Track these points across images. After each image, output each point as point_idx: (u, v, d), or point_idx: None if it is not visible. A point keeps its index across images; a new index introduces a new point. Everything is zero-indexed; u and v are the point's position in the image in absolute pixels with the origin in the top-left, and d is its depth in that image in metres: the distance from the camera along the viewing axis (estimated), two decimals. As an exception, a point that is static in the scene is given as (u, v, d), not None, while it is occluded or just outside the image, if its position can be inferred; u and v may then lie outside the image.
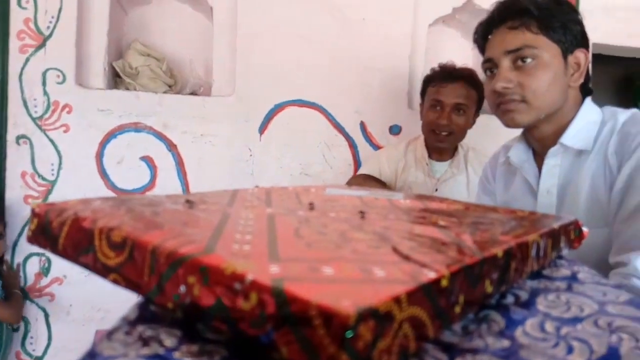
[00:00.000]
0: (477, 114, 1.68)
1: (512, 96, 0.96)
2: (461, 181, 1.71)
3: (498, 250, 0.35)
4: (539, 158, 1.07)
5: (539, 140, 1.04)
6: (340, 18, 1.97)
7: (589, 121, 0.98)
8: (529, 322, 0.31)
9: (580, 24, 0.98)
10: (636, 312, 0.32)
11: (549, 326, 0.30)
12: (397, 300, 0.23)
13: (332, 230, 0.38)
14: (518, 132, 2.06)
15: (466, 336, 0.28)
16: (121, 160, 1.84)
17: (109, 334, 0.26)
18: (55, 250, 0.37)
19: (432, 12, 2.12)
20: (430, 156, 1.71)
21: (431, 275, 0.27)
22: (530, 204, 1.08)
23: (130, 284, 0.31)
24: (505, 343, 0.27)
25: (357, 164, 1.98)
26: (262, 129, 1.93)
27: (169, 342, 0.25)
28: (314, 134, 1.96)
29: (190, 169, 1.89)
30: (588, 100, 1.01)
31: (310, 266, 0.27)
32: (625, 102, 3.29)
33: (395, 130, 2.00)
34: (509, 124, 1.00)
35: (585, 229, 0.54)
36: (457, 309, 0.29)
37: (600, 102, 1.03)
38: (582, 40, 0.97)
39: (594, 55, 2.17)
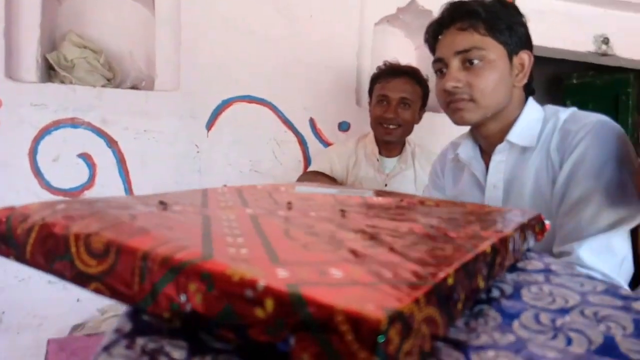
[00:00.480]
0: (422, 109, 1.73)
1: (461, 95, 0.99)
2: (409, 176, 1.75)
3: (486, 246, 0.35)
4: (485, 154, 1.11)
5: (486, 138, 1.08)
6: (288, 15, 1.96)
7: (533, 119, 1.03)
8: (524, 316, 0.31)
9: (524, 26, 1.03)
10: (616, 301, 0.34)
11: (544, 318, 0.31)
12: (417, 301, 0.23)
13: (321, 231, 0.37)
14: (463, 129, 2.13)
15: (471, 333, 0.29)
16: (57, 158, 1.73)
17: (107, 349, 0.24)
18: (21, 259, 0.33)
19: (377, 11, 2.14)
20: (380, 152, 1.74)
21: (441, 274, 0.26)
22: (477, 198, 1.12)
23: (116, 294, 0.28)
24: (511, 338, 0.28)
25: (307, 160, 1.98)
26: (210, 125, 1.88)
27: (177, 354, 0.23)
28: (263, 131, 1.93)
29: (133, 166, 1.81)
30: (531, 100, 1.06)
31: (317, 269, 0.26)
32: (555, 100, 3.51)
33: (344, 127, 2.01)
34: (458, 121, 1.04)
35: (547, 222, 0.57)
36: (460, 306, 0.29)
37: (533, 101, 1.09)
38: (526, 41, 1.02)
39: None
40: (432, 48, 1.09)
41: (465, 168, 1.18)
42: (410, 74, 1.68)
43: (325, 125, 2.00)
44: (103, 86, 1.83)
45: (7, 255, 0.34)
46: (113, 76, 1.91)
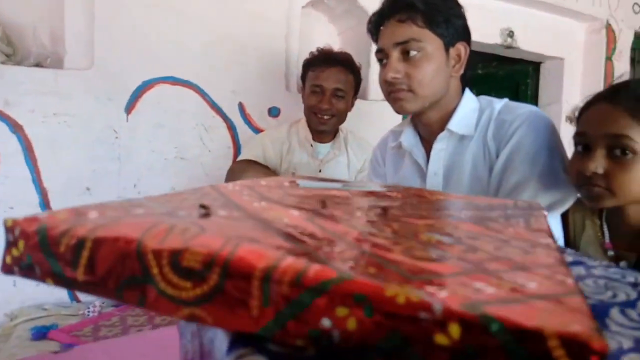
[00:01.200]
0: (354, 97, 1.74)
1: (400, 85, 1.02)
2: (342, 162, 1.76)
3: (552, 242, 0.35)
4: (425, 142, 1.15)
5: (426, 126, 1.12)
6: (214, -8, 1.85)
7: (470, 109, 1.08)
8: (612, 311, 0.31)
9: (462, 17, 1.06)
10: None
11: (631, 313, 0.31)
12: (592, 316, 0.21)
13: (400, 234, 0.33)
14: (394, 117, 2.19)
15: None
16: (-54, 145, 1.49)
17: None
18: (68, 283, 0.27)
19: (304, -7, 2.11)
20: (313, 138, 1.72)
21: (570, 281, 0.25)
22: (418, 184, 1.16)
23: (223, 321, 0.23)
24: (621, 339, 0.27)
25: (237, 146, 1.90)
26: (129, 108, 1.73)
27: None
28: (189, 115, 1.82)
29: (42, 153, 1.62)
30: (467, 90, 1.11)
31: (465, 283, 0.22)
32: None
33: (274, 112, 1.97)
34: (399, 111, 1.07)
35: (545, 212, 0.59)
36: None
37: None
38: (463, 33, 1.06)
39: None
40: (375, 38, 1.11)
41: (406, 155, 1.21)
42: (344, 63, 1.66)
43: (255, 110, 1.93)
44: (2, 63, 1.60)
45: (42, 279, 0.27)
46: (13, 52, 1.68)
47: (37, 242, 0.28)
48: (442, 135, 1.08)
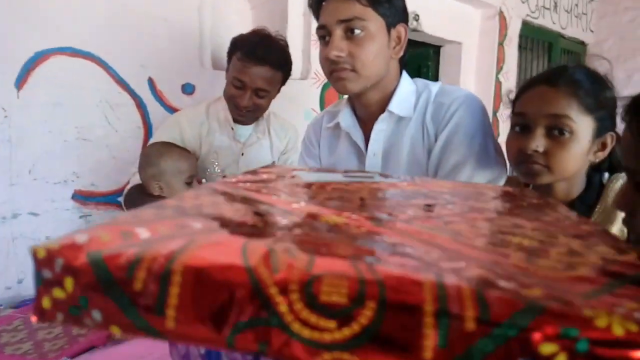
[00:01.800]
0: (280, 87, 1.65)
1: (343, 65, 1.02)
2: (265, 145, 1.71)
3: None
4: (363, 123, 1.16)
5: (365, 107, 1.12)
6: (116, -48, 1.66)
7: (408, 91, 1.10)
8: None
9: None
10: None
11: None
12: None
13: (484, 236, 0.30)
14: (314, 97, 2.16)
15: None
16: None
17: None
18: (149, 332, 0.20)
19: (215, -39, 1.97)
20: (234, 120, 1.63)
21: None
22: (355, 165, 1.17)
23: None
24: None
25: (148, 126, 1.75)
26: (20, 82, 1.50)
27: None
28: (92, 91, 1.63)
29: None
30: (404, 72, 1.13)
31: (612, 302, 0.20)
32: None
33: (188, 89, 1.83)
34: (341, 90, 1.06)
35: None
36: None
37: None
38: (403, 14, 1.07)
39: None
40: (316, 14, 1.08)
41: (342, 136, 1.20)
42: (273, 61, 1.50)
43: (167, 86, 1.79)
44: None
45: (106, 327, 0.20)
46: None
47: (94, 279, 0.21)
48: (383, 116, 1.09)
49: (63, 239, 0.22)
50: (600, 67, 0.95)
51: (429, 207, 0.38)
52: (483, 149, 1.03)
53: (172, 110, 1.78)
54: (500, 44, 3.08)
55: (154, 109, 1.76)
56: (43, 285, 0.22)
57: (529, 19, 3.27)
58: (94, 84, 1.63)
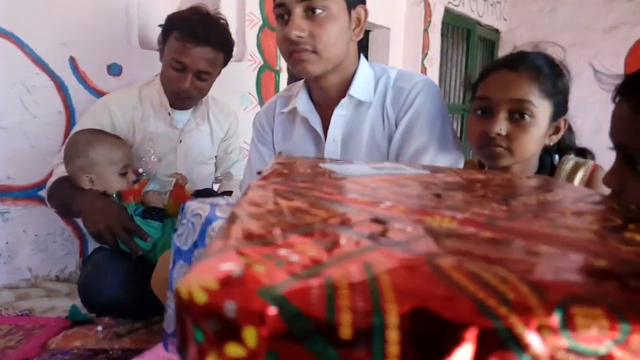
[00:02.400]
0: (221, 70, 1.55)
1: (304, 46, 0.99)
2: (205, 131, 1.62)
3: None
4: (319, 108, 1.13)
5: (324, 90, 1.10)
6: None
7: (367, 74, 1.09)
8: None
9: None
10: None
11: None
12: None
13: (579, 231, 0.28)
14: (251, 80, 2.08)
15: None
16: None
17: None
18: None
19: None
20: (170, 104, 1.51)
21: None
22: (312, 151, 1.14)
23: None
24: None
25: (70, 111, 1.58)
26: None
27: None
28: (5, 72, 1.43)
29: None
30: (362, 56, 1.11)
31: None
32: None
33: (114, 70, 1.67)
34: (301, 72, 1.04)
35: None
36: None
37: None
38: None
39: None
40: None
41: (298, 122, 1.17)
42: (215, 42, 1.39)
43: (91, 66, 1.61)
44: None
45: None
46: None
47: (285, 327, 0.15)
48: (344, 100, 1.07)
49: (210, 272, 0.16)
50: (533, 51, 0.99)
51: (438, 196, 0.36)
52: (443, 133, 1.05)
53: (97, 93, 1.62)
54: (425, 30, 3.16)
55: (77, 92, 1.59)
56: (207, 340, 0.16)
57: (450, 6, 3.38)
58: (8, 64, 1.43)
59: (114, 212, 1.19)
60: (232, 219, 0.24)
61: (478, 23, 3.75)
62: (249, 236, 0.21)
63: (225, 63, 1.50)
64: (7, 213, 1.46)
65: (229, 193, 1.62)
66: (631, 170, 0.68)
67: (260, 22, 2.12)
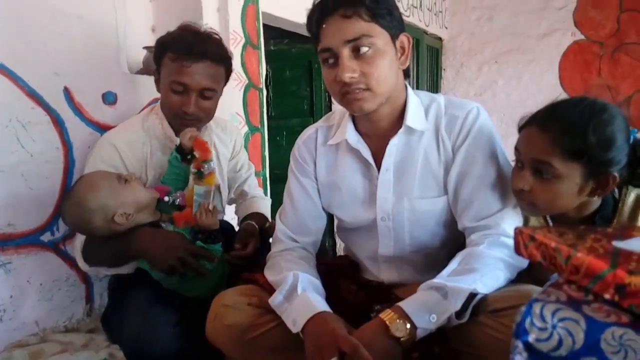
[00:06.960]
0: (224, 86, 1.50)
1: (358, 85, 1.00)
2: (212, 157, 1.55)
3: None
4: (366, 138, 1.14)
5: (375, 122, 1.11)
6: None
7: (416, 103, 1.11)
8: None
9: (397, 9, 1.07)
10: None
11: None
12: None
13: None
14: (236, 96, 2.05)
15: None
16: None
17: None
18: None
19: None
20: (176, 134, 1.42)
21: None
22: (360, 181, 1.15)
23: None
24: None
25: (68, 146, 1.45)
26: None
27: None
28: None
29: None
30: (407, 83, 1.13)
31: None
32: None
33: (110, 98, 1.56)
34: (357, 111, 1.06)
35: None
36: None
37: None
38: (401, 24, 1.07)
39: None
40: (316, 37, 1.04)
41: (343, 153, 1.17)
42: (213, 55, 1.32)
43: (86, 96, 1.49)
44: None
45: None
46: None
47: None
48: (401, 131, 1.08)
49: None
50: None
51: None
52: (500, 158, 1.07)
53: (94, 125, 1.51)
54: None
55: (73, 125, 1.47)
56: None
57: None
58: (2, 99, 1.30)
59: (178, 243, 1.18)
60: None
61: (425, 32, 3.91)
62: None
63: (227, 78, 1.43)
64: (10, 264, 1.32)
65: (253, 216, 1.55)
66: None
67: (244, 41, 2.08)
